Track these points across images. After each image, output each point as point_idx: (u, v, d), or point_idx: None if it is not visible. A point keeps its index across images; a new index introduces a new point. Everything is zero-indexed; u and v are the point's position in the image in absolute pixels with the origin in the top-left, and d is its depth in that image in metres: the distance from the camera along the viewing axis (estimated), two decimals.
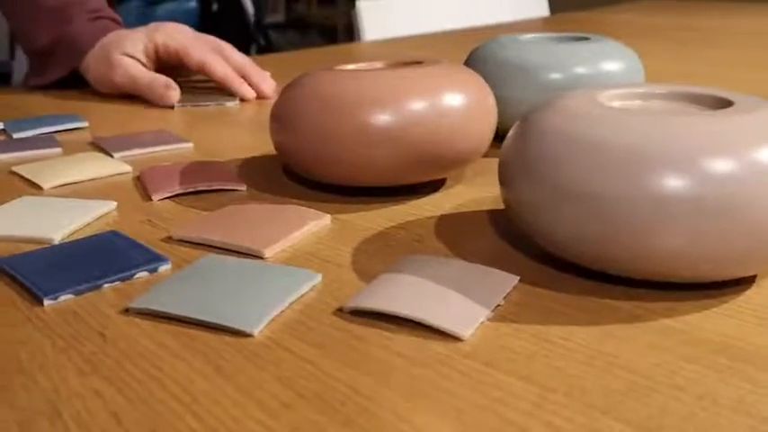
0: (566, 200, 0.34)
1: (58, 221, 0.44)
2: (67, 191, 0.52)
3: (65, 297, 0.36)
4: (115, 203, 0.48)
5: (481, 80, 0.50)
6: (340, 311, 0.34)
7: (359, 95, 0.45)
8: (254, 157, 0.60)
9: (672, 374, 0.29)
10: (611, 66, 0.60)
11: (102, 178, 0.55)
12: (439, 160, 0.46)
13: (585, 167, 0.33)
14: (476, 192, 0.50)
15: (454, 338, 0.32)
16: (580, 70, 0.59)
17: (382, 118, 0.45)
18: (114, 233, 0.43)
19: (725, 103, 0.37)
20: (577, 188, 0.33)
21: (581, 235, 0.34)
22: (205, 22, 2.14)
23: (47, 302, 0.35)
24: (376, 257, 0.40)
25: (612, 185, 0.32)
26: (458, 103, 0.46)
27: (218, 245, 0.41)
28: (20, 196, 0.50)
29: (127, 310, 0.35)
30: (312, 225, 0.44)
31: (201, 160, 0.57)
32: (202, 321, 0.33)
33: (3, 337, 0.33)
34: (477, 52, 0.64)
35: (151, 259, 0.39)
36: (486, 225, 0.44)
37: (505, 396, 0.28)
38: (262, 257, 0.40)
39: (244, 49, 1.04)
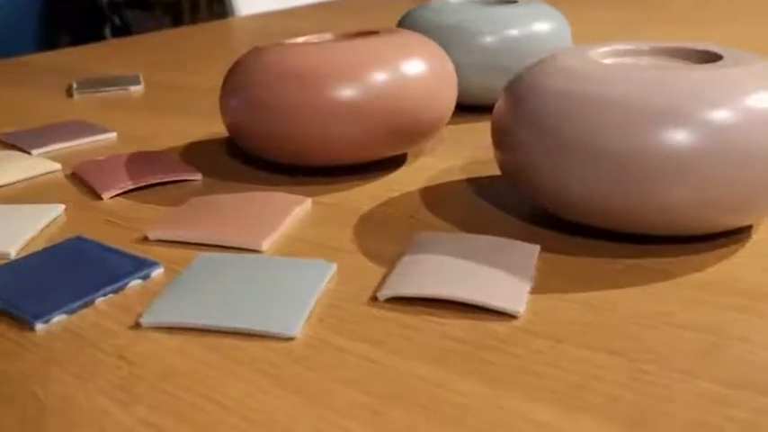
0: (577, 158, 0.32)
1: (6, 233, 0.39)
2: None
3: (57, 318, 0.31)
4: (62, 206, 0.43)
5: (440, 48, 0.48)
6: (374, 300, 0.32)
7: (322, 68, 0.42)
8: (193, 144, 0.55)
9: (731, 326, 0.28)
10: (543, 27, 0.59)
11: (29, 179, 0.49)
12: (406, 132, 0.44)
13: (598, 124, 0.32)
14: (442, 162, 0.49)
15: (507, 316, 0.30)
16: (514, 32, 0.58)
17: (348, 91, 0.42)
18: (81, 239, 0.38)
19: (714, 57, 0.37)
20: (589, 146, 0.32)
21: (593, 193, 0.32)
22: (52, 1, 1.99)
23: (39, 326, 0.30)
24: (377, 239, 0.37)
25: (625, 140, 0.31)
26: (423, 71, 0.44)
27: (206, 242, 0.37)
28: None
29: (137, 325, 0.31)
30: (298, 211, 0.40)
31: (140, 151, 0.52)
32: (235, 329, 0.29)
33: (6, 374, 0.28)
34: (409, 18, 0.61)
35: (141, 265, 0.35)
36: (470, 194, 0.43)
37: (595, 370, 0.26)
38: (259, 251, 0.37)
39: (97, 30, 0.97)
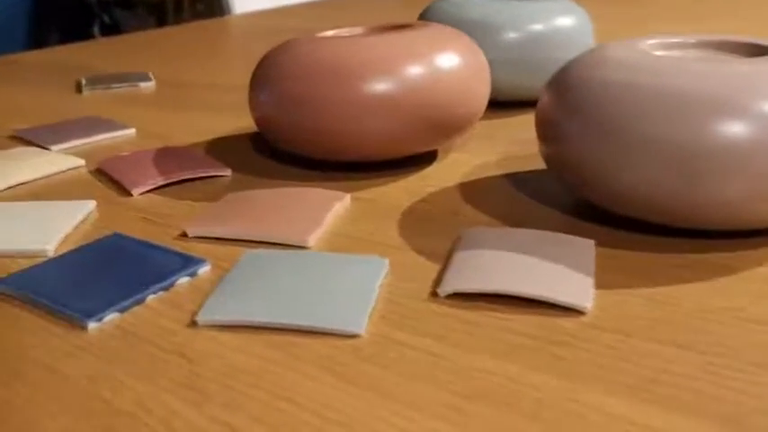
0: (635, 151, 0.32)
1: (41, 230, 0.38)
2: (21, 193, 0.45)
3: (110, 316, 0.30)
4: (93, 202, 0.42)
5: (473, 42, 0.47)
6: (433, 296, 0.31)
7: (356, 61, 0.41)
8: (215, 140, 0.54)
9: None
10: (565, 22, 0.58)
11: (53, 175, 0.48)
12: (442, 127, 0.43)
13: (657, 117, 0.31)
14: (475, 157, 0.48)
15: (574, 312, 0.29)
16: (538, 27, 0.57)
17: (384, 85, 0.41)
18: (119, 236, 0.37)
19: (761, 50, 0.37)
20: (648, 139, 0.31)
21: (651, 187, 0.32)
22: (41, 1, 1.97)
23: (91, 325, 0.29)
24: (422, 235, 0.37)
25: (684, 133, 0.31)
26: (458, 65, 0.43)
27: (248, 238, 0.36)
28: None
29: (194, 323, 0.30)
30: (338, 206, 0.40)
31: (164, 147, 0.51)
32: (297, 326, 0.28)
33: (62, 373, 0.27)
34: (431, 12, 0.61)
35: (188, 262, 0.34)
36: (510, 189, 0.42)
37: (665, 364, 0.26)
38: (305, 247, 0.36)
39: (86, 28, 0.95)
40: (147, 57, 0.91)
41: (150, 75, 0.76)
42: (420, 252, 0.35)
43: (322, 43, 0.43)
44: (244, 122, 0.59)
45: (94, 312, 0.30)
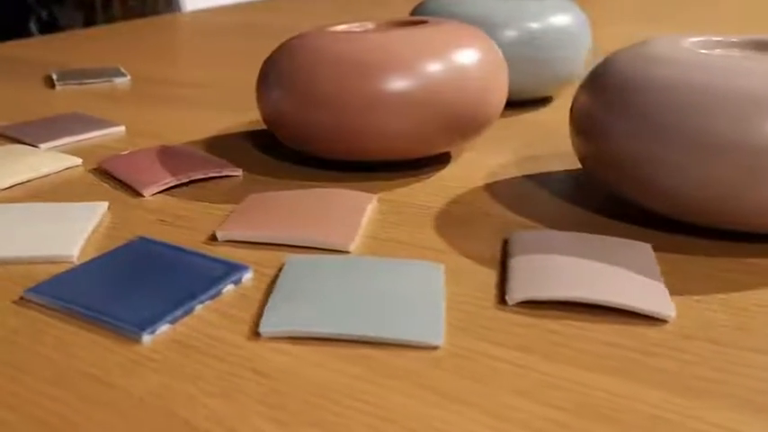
0: (699, 153, 0.31)
1: (60, 234, 0.35)
2: (19, 194, 0.42)
3: (162, 328, 0.28)
4: (106, 204, 0.39)
5: (490, 39, 0.46)
6: (500, 304, 0.30)
7: (375, 57, 0.40)
8: (211, 138, 0.52)
9: None
10: (561, 20, 0.58)
11: (49, 175, 0.45)
12: (463, 126, 0.42)
13: (716, 117, 0.30)
14: (490, 157, 0.47)
15: (654, 320, 0.28)
16: (534, 26, 0.57)
17: (404, 83, 0.39)
18: (145, 240, 0.34)
19: None
20: (706, 139, 0.30)
21: (714, 189, 0.31)
22: None
23: (146, 338, 0.27)
24: (463, 237, 0.35)
25: (752, 132, 0.30)
26: (478, 62, 0.42)
27: (285, 242, 0.34)
28: None
29: (256, 335, 0.27)
30: (369, 208, 0.38)
31: (165, 146, 0.48)
32: (372, 338, 0.27)
33: (124, 390, 0.24)
34: (425, 7, 0.59)
35: (231, 269, 0.31)
36: (535, 188, 0.41)
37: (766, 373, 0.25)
38: (346, 252, 0.34)
39: (22, 23, 0.91)
40: (109, 52, 0.87)
41: (122, 70, 0.72)
42: (466, 256, 0.33)
43: (339, 38, 0.41)
44: (235, 120, 0.56)
45: (147, 324, 0.27)
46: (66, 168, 0.45)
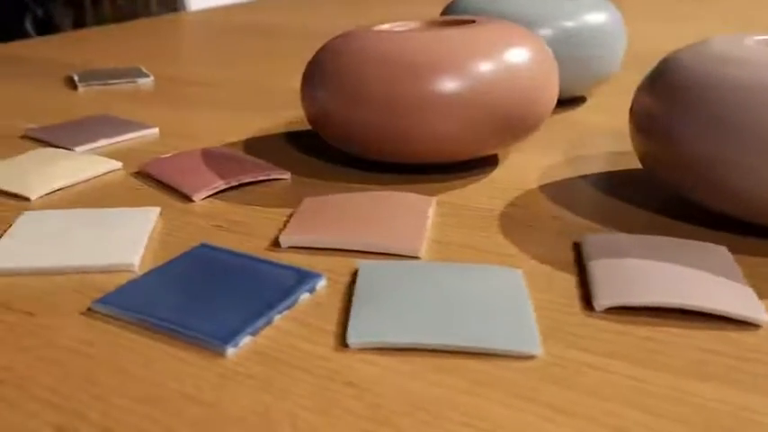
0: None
1: (119, 241, 0.33)
2: (63, 200, 0.40)
3: (245, 340, 0.26)
4: (158, 209, 0.37)
5: (540, 38, 0.45)
6: (587, 310, 0.28)
7: (427, 57, 0.38)
8: (249, 139, 0.50)
9: None
10: (597, 18, 0.57)
11: (91, 179, 0.43)
12: (515, 126, 0.41)
13: None
14: (539, 158, 0.46)
15: (746, 325, 0.27)
16: (569, 24, 0.56)
17: (456, 83, 0.38)
18: (208, 246, 0.33)
19: None
20: None
21: None
22: None
23: (230, 351, 0.26)
24: (532, 241, 0.34)
25: None
26: (530, 62, 0.41)
27: (352, 248, 0.33)
28: None
29: (344, 346, 0.26)
30: (430, 212, 0.37)
31: (206, 148, 0.47)
32: (467, 348, 0.26)
33: (219, 407, 0.23)
34: (458, 5, 0.58)
35: (304, 276, 0.30)
36: (592, 189, 0.40)
37: None
38: (416, 257, 0.33)
39: (18, 22, 0.89)
40: (123, 51, 0.86)
41: (144, 70, 0.71)
42: (538, 260, 0.32)
43: (389, 38, 0.40)
44: (270, 120, 0.55)
45: (230, 336, 0.26)
46: (107, 172, 0.44)
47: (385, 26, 0.46)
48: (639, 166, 0.44)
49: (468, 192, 0.40)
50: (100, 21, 1.95)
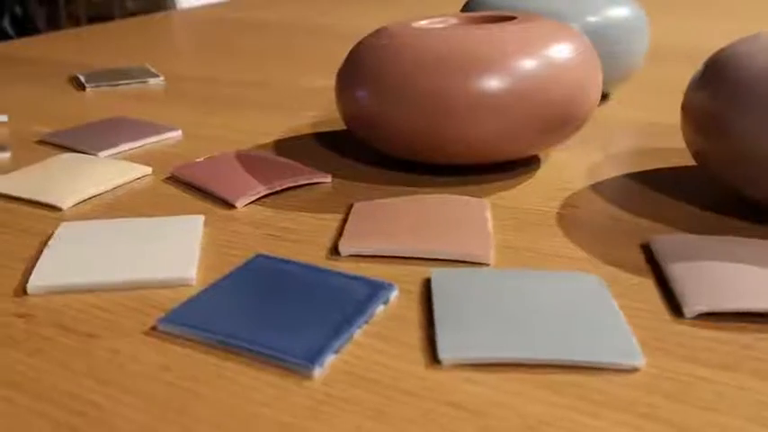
0: None
1: (171, 253, 0.31)
2: (97, 208, 0.38)
3: (329, 359, 0.25)
4: (202, 217, 0.35)
5: (583, 35, 0.44)
6: (677, 317, 0.27)
7: (470, 55, 0.37)
8: (277, 141, 0.49)
9: None
10: (620, 12, 0.56)
11: (121, 186, 0.41)
12: (560, 125, 0.39)
13: None
14: (578, 157, 0.44)
15: None
16: (592, 19, 0.54)
17: (502, 81, 0.37)
18: (264, 257, 0.31)
19: None
20: None
21: None
22: None
23: (317, 371, 0.24)
24: (600, 243, 0.33)
25: None
26: (578, 59, 0.39)
27: (420, 255, 0.32)
28: (28, 224, 0.36)
29: (435, 362, 0.25)
30: (488, 216, 0.35)
31: (238, 151, 0.45)
32: (568, 362, 0.24)
33: None
34: (473, 5, 0.56)
35: (377, 288, 0.29)
36: (643, 188, 0.39)
37: None
38: (487, 264, 0.31)
39: None
40: (123, 50, 0.83)
41: (152, 69, 0.68)
42: (610, 263, 0.31)
43: (433, 34, 0.39)
44: (295, 121, 0.53)
45: (315, 356, 0.24)
46: (138, 178, 0.42)
47: (422, 22, 0.45)
48: (684, 162, 0.43)
49: (518, 193, 0.39)
50: (72, 17, 1.90)
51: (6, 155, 0.46)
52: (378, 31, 0.41)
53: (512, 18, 0.44)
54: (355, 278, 0.29)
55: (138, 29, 0.98)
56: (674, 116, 0.53)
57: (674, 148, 0.45)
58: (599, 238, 0.33)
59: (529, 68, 0.37)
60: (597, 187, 0.39)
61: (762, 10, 1.02)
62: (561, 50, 0.39)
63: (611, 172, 0.41)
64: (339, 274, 0.29)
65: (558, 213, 0.36)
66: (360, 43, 0.41)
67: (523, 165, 0.43)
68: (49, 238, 0.34)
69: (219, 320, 0.26)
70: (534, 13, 0.44)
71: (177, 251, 0.31)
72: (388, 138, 0.39)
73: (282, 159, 0.43)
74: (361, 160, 0.44)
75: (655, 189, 0.39)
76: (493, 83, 0.37)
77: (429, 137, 0.38)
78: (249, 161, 0.42)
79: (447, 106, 0.37)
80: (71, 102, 0.60)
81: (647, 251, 0.32)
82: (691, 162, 0.43)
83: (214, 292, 0.28)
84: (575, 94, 0.39)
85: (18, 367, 0.25)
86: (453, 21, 0.45)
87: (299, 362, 0.24)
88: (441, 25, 0.45)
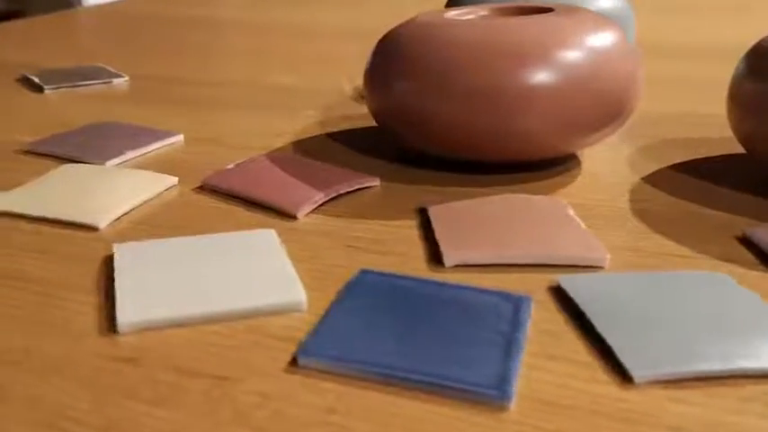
0: None
1: (265, 276, 0.27)
2: (130, 226, 0.33)
3: (515, 387, 0.22)
4: (272, 231, 0.32)
5: (621, 28, 0.42)
6: None
7: (515, 46, 0.35)
8: (299, 142, 0.45)
9: None
10: (603, 5, 0.55)
11: (151, 199, 0.36)
12: (612, 118, 0.38)
13: None
14: (621, 149, 0.43)
15: None
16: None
17: (563, 73, 0.35)
18: (370, 273, 0.28)
19: None
20: None
21: None
22: None
23: (511, 403, 0.21)
24: (691, 238, 0.32)
25: None
26: (623, 51, 0.38)
27: (533, 262, 0.29)
28: (68, 249, 0.31)
29: (627, 380, 0.22)
30: (575, 215, 0.33)
31: (268, 154, 0.40)
32: (757, 372, 0.22)
33: None
34: None
35: (513, 301, 0.26)
36: (704, 181, 0.38)
37: None
38: (601, 267, 0.29)
39: None
40: (66, 47, 0.75)
41: (111, 69, 0.62)
42: (721, 259, 0.30)
43: (479, 24, 0.36)
44: (299, 122, 0.49)
45: (503, 385, 0.21)
46: (166, 189, 0.37)
47: (452, 12, 0.42)
48: (726, 150, 0.42)
49: (576, 190, 0.37)
50: None
51: None
52: (412, 23, 0.38)
53: (543, 10, 0.42)
54: (486, 292, 0.26)
55: (50, 27, 0.90)
56: (675, 106, 0.53)
57: (699, 138, 0.45)
58: (691, 233, 0.32)
59: (585, 60, 0.35)
60: (654, 180, 0.38)
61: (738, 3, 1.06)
62: (612, 41, 0.37)
63: (654, 164, 0.40)
64: (467, 288, 0.26)
65: (632, 210, 0.34)
66: (391, 35, 0.38)
67: (561, 161, 0.41)
68: (104, 264, 0.29)
69: (367, 350, 0.23)
70: (570, 5, 0.42)
71: (270, 272, 0.27)
72: (430, 135, 0.36)
73: (319, 163, 0.39)
74: (390, 159, 0.41)
75: (710, 179, 0.38)
76: (549, 75, 0.35)
77: (482, 133, 0.36)
78: (288, 166, 0.38)
79: (502, 101, 0.35)
80: (33, 106, 0.53)
81: (747, 244, 0.31)
82: (724, 150, 0.42)
83: (341, 317, 0.25)
84: (627, 85, 0.37)
85: (147, 421, 0.20)
86: (483, 12, 0.43)
87: (492, 393, 0.21)
88: (472, 17, 0.42)
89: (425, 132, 0.36)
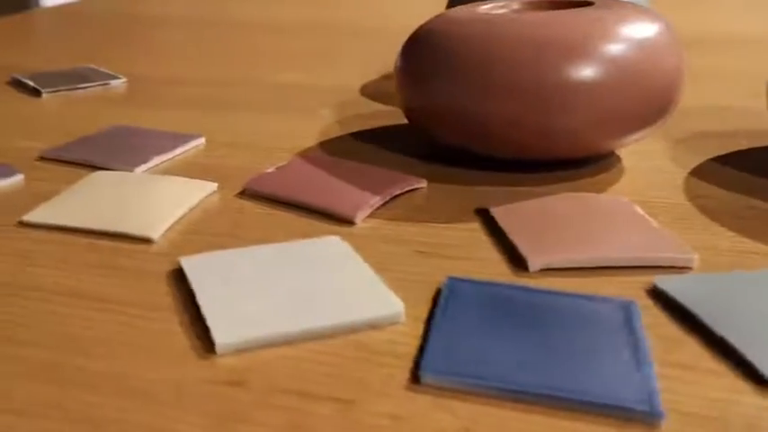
0: None
1: (353, 288, 0.26)
2: (181, 237, 0.31)
3: (660, 402, 0.21)
4: (338, 238, 0.30)
5: (665, 20, 0.41)
6: None
7: (585, 42, 0.34)
8: (327, 143, 0.43)
9: None
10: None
11: (195, 207, 0.34)
12: (658, 113, 0.37)
13: None
14: (659, 144, 0.42)
15: None
16: None
17: (610, 68, 0.34)
18: (458, 280, 0.26)
19: None
20: None
21: None
22: None
23: (662, 418, 0.20)
24: (746, 230, 0.31)
25: None
26: (669, 45, 0.37)
27: (616, 264, 0.28)
28: (128, 263, 0.28)
29: (763, 385, 0.21)
30: (641, 212, 0.32)
31: (303, 157, 0.38)
32: None
33: None
34: None
35: (624, 308, 0.25)
36: (751, 176, 0.37)
37: None
38: (689, 268, 0.28)
39: None
40: (51, 49, 0.71)
41: (105, 70, 0.59)
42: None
43: (522, 19, 0.35)
44: (316, 122, 0.47)
45: (652, 400, 0.20)
46: (207, 195, 0.35)
47: (484, 7, 0.40)
48: (755, 143, 0.42)
49: (626, 186, 0.36)
50: None
51: (18, 177, 0.37)
52: (443, 20, 0.37)
53: (578, 3, 0.40)
54: (589, 298, 0.25)
55: (11, 28, 0.85)
56: (700, 99, 0.52)
57: (732, 130, 0.45)
58: (759, 228, 0.31)
59: (633, 54, 0.34)
60: (701, 175, 0.37)
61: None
62: (658, 34, 0.36)
63: (696, 157, 0.40)
64: (568, 294, 0.25)
65: (691, 206, 0.34)
66: (423, 32, 0.36)
67: (600, 157, 0.40)
68: (172, 278, 0.27)
69: (492, 364, 0.21)
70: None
71: (358, 283, 0.26)
72: (470, 133, 0.35)
73: (361, 165, 0.37)
74: (419, 157, 0.39)
75: (756, 173, 0.37)
76: (597, 70, 0.33)
77: (527, 130, 0.34)
78: (330, 169, 0.36)
79: (549, 97, 0.33)
80: (35, 110, 0.50)
81: None
82: (764, 141, 0.42)
83: (449, 329, 0.23)
84: (674, 77, 0.36)
85: None
86: (515, 6, 0.42)
87: (643, 408, 0.19)
88: (506, 11, 0.41)
89: (466, 131, 0.35)
